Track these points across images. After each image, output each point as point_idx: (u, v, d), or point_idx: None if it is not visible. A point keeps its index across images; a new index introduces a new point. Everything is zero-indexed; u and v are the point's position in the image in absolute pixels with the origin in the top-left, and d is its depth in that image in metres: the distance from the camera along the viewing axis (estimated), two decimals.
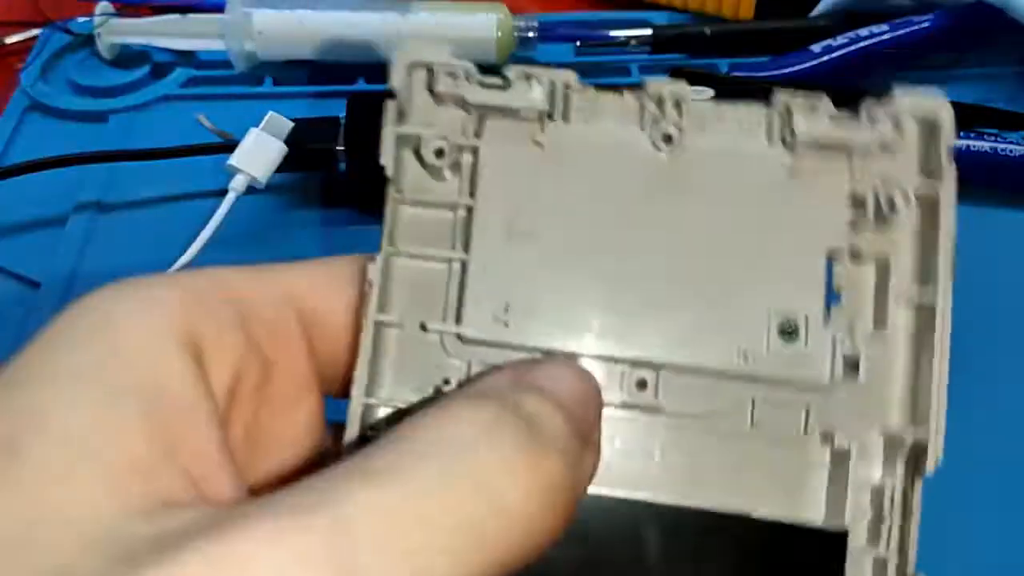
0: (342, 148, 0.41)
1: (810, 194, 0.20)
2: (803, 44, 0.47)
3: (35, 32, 0.53)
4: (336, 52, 0.49)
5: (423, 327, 0.20)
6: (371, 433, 0.20)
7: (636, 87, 0.21)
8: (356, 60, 0.49)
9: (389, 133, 0.20)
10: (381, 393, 0.20)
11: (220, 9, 0.48)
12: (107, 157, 0.43)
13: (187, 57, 0.51)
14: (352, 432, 0.20)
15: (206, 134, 0.44)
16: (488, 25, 0.48)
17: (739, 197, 0.20)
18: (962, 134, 0.42)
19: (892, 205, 0.20)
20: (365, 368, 0.20)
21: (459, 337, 0.20)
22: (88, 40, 0.50)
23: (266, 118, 0.40)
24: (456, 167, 0.21)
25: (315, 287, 0.20)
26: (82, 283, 0.40)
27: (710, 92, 0.44)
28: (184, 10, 0.49)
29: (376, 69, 0.50)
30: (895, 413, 0.20)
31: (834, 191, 0.20)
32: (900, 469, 0.20)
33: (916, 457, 0.20)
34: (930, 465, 0.19)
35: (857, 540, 0.20)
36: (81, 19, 0.51)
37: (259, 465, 0.20)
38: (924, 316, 0.20)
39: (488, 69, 0.20)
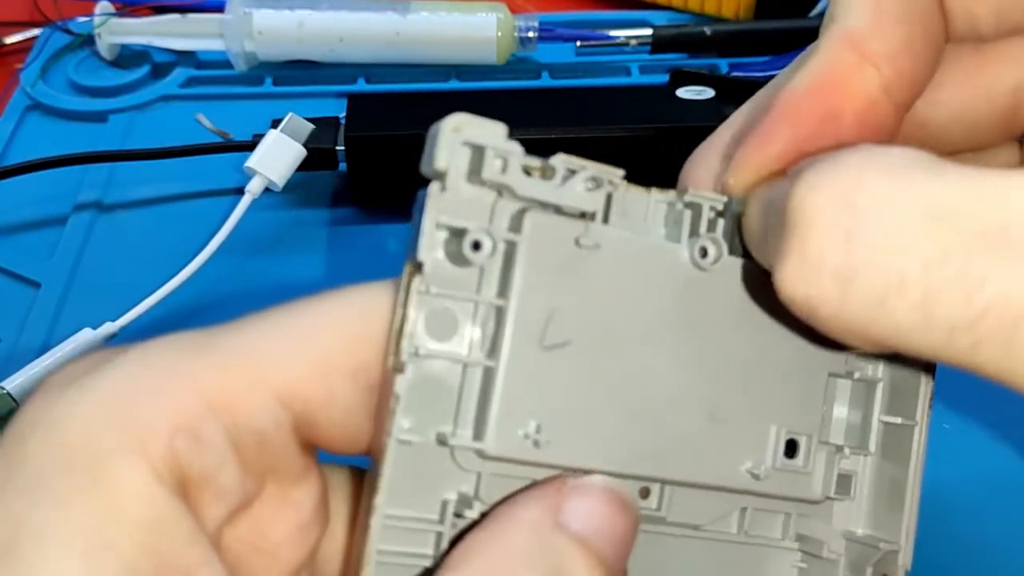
0: (342, 148, 0.41)
1: None
2: (803, 44, 0.47)
3: (35, 32, 0.53)
4: (336, 52, 0.49)
5: (442, 441, 0.18)
6: None
7: (674, 191, 0.20)
8: (356, 60, 0.49)
9: (431, 223, 0.17)
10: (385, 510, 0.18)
11: (220, 9, 0.48)
12: (107, 157, 0.43)
13: (187, 57, 0.51)
14: None
15: (206, 134, 0.44)
16: (488, 25, 0.48)
17: (760, 318, 0.20)
18: None
19: None
20: (387, 491, 0.17)
21: (478, 452, 0.18)
22: (88, 40, 0.50)
23: (286, 119, 0.40)
24: (487, 261, 0.18)
25: (311, 374, 0.17)
26: (82, 283, 0.40)
27: (710, 92, 0.44)
28: (184, 10, 0.49)
29: (376, 69, 0.50)
30: (868, 521, 0.22)
31: None
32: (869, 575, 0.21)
33: (886, 565, 0.21)
34: (900, 573, 0.21)
35: None
36: (81, 19, 0.51)
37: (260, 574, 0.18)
38: (902, 433, 0.21)
39: (530, 149, 0.18)
